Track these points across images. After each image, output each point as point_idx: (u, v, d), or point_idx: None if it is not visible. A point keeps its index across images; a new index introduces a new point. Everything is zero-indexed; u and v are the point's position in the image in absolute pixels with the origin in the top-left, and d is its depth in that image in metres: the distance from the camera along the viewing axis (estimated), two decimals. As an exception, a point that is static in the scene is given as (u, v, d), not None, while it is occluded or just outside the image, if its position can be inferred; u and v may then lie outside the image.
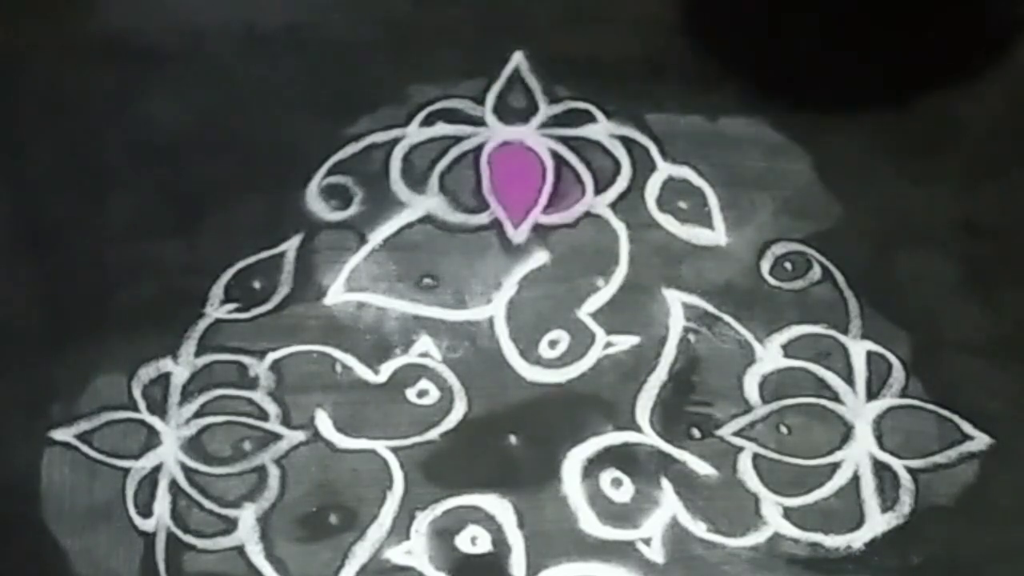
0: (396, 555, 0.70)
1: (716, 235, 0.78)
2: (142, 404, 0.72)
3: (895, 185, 0.79)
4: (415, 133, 0.80)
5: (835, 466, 0.72)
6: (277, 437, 0.72)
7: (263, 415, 0.72)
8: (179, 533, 0.70)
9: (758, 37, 0.83)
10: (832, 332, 0.75)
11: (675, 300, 0.76)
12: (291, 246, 0.77)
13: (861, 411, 0.74)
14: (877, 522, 0.71)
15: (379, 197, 0.78)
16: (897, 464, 0.72)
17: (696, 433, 0.73)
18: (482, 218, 0.78)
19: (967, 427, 0.73)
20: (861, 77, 0.82)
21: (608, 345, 0.75)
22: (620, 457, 0.72)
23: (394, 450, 0.72)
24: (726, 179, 0.79)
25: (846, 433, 0.73)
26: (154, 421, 0.72)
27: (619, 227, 0.78)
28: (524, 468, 0.72)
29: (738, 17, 0.83)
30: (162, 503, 0.70)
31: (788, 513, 0.71)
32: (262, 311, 0.75)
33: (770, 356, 0.75)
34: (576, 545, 0.70)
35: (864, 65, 0.82)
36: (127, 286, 0.75)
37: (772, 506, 0.71)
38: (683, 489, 0.71)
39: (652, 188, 0.79)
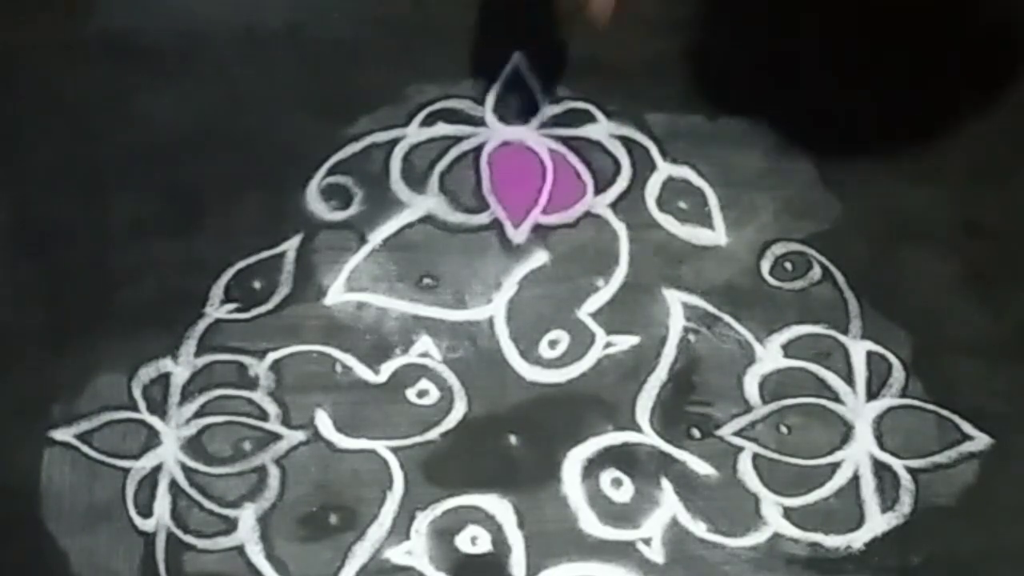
0: (396, 555, 0.69)
1: (716, 235, 0.78)
2: (142, 404, 0.72)
3: (895, 185, 0.79)
4: (415, 133, 0.80)
5: (835, 466, 0.72)
6: (277, 437, 0.72)
7: (263, 415, 0.72)
8: (179, 533, 0.70)
9: (759, 37, 0.83)
10: (832, 332, 0.75)
11: (675, 300, 0.76)
12: (291, 246, 0.77)
13: (861, 411, 0.74)
14: (877, 522, 0.71)
15: (379, 197, 0.78)
16: (897, 464, 0.72)
17: (696, 433, 0.73)
18: (482, 218, 0.78)
19: (967, 427, 0.73)
20: (862, 77, 0.81)
21: (608, 345, 0.75)
22: (620, 457, 0.72)
23: (394, 450, 0.72)
24: (726, 179, 0.79)
25: (846, 433, 0.73)
26: (154, 421, 0.72)
27: (619, 227, 0.78)
28: (524, 468, 0.72)
29: (738, 17, 0.83)
30: (162, 503, 0.70)
31: (788, 513, 0.71)
32: (262, 311, 0.75)
33: (770, 356, 0.75)
34: (576, 545, 0.70)
35: (865, 64, 0.82)
36: (127, 286, 0.75)
37: (772, 506, 0.71)
38: (683, 489, 0.71)
39: (652, 188, 0.79)
